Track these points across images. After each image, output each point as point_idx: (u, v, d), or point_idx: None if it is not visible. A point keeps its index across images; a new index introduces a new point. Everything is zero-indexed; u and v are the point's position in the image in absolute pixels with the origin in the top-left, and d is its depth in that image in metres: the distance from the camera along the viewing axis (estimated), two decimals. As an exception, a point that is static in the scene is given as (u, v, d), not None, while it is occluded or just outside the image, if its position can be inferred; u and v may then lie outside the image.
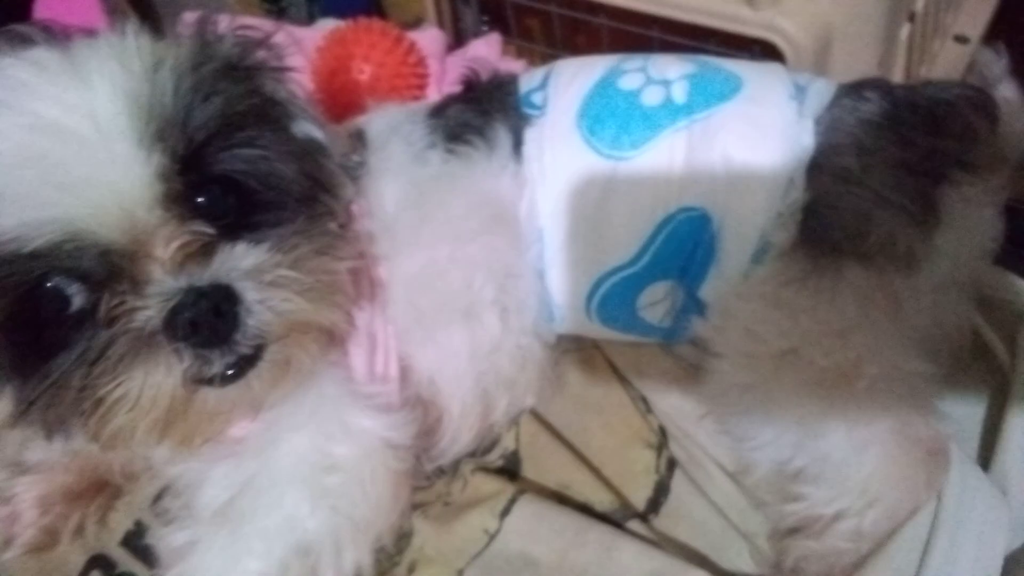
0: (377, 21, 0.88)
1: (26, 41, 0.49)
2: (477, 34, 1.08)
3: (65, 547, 0.72)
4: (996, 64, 0.71)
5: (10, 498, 0.72)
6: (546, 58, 1.09)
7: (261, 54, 0.56)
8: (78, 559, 0.72)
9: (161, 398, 0.49)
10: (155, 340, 0.48)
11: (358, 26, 0.87)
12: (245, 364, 0.52)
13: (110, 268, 0.48)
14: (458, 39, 1.09)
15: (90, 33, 0.50)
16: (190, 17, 0.59)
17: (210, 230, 0.50)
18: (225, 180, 0.51)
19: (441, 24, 1.04)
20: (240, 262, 0.50)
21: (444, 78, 0.93)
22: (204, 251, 0.50)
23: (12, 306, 0.47)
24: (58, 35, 0.49)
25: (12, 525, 0.71)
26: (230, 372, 0.51)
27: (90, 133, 0.45)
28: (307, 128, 0.58)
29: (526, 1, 0.97)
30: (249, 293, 0.50)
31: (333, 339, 0.61)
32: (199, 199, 0.50)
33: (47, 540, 0.72)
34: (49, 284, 0.47)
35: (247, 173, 0.52)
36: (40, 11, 0.56)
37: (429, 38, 0.93)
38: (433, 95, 0.91)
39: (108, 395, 0.48)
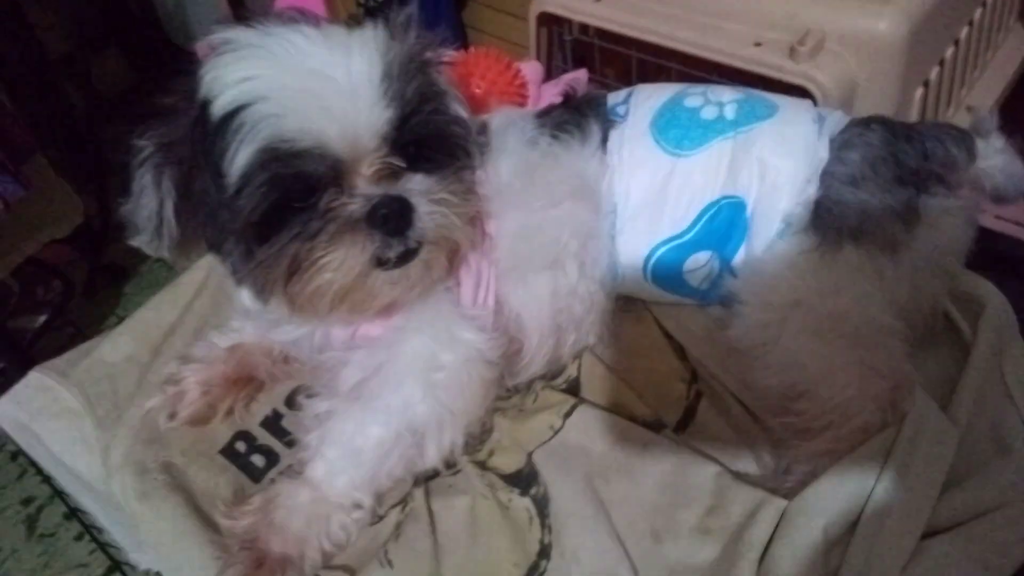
0: (493, 49, 1.11)
1: (291, 20, 0.72)
2: (566, 71, 1.31)
3: (216, 423, 0.91)
4: (988, 120, 0.88)
5: (179, 380, 0.91)
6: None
7: (430, 53, 0.79)
8: (226, 432, 0.90)
9: (353, 267, 0.71)
10: (358, 227, 0.70)
11: (478, 52, 1.10)
12: (408, 255, 0.73)
13: (335, 173, 0.70)
14: (549, 74, 1.32)
15: (328, 20, 0.73)
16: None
17: (401, 163, 0.72)
18: (416, 132, 0.73)
19: (539, 60, 1.28)
20: (418, 185, 0.73)
21: (539, 101, 1.15)
22: (393, 175, 0.72)
23: (278, 190, 0.68)
24: (310, 18, 0.73)
25: (178, 402, 0.90)
26: (398, 259, 0.72)
27: (346, 82, 0.68)
28: (458, 109, 0.80)
29: (612, 45, 1.20)
30: (422, 206, 0.72)
31: (454, 264, 0.82)
32: (397, 141, 0.72)
33: (204, 415, 0.90)
34: (301, 176, 0.68)
35: (429, 130, 0.74)
36: (279, 3, 0.80)
37: (530, 68, 1.15)
38: (530, 111, 1.13)
39: (319, 259, 0.70)
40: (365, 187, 0.71)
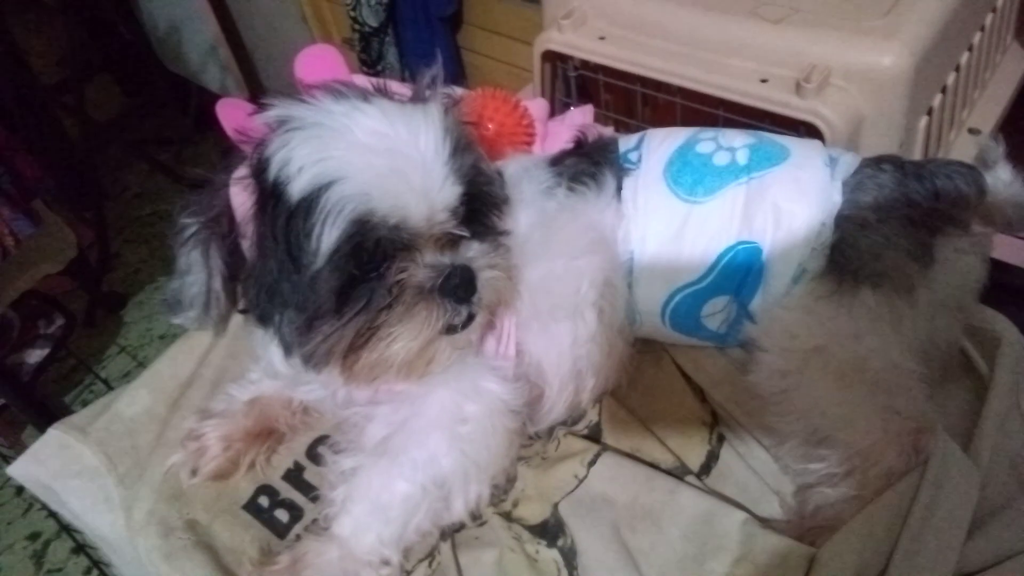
0: (500, 90, 1.11)
1: (339, 93, 0.72)
2: (569, 104, 1.32)
3: (239, 478, 0.91)
4: (994, 150, 0.89)
5: (200, 436, 0.91)
6: (619, 125, 1.32)
7: (456, 112, 0.79)
8: (248, 487, 0.90)
9: (426, 336, 0.73)
10: (430, 296, 0.72)
11: (486, 93, 1.10)
12: (469, 320, 0.76)
13: (408, 244, 0.71)
14: (553, 107, 1.33)
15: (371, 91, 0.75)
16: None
17: (466, 232, 0.75)
18: (477, 203, 0.76)
19: (543, 94, 1.30)
20: (476, 252, 0.75)
21: (546, 137, 1.16)
22: (451, 242, 0.74)
23: (360, 266, 0.69)
24: (354, 90, 0.74)
25: (200, 457, 0.90)
26: (462, 324, 0.75)
27: (421, 160, 0.70)
28: (488, 169, 0.81)
29: (616, 81, 1.20)
30: (482, 272, 0.75)
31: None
32: (460, 212, 0.74)
33: (226, 470, 0.90)
34: (383, 251, 0.70)
35: (485, 200, 0.78)
36: (300, 71, 0.79)
37: (536, 105, 1.16)
38: (537, 149, 1.13)
39: (392, 330, 0.72)
40: (431, 257, 0.73)
